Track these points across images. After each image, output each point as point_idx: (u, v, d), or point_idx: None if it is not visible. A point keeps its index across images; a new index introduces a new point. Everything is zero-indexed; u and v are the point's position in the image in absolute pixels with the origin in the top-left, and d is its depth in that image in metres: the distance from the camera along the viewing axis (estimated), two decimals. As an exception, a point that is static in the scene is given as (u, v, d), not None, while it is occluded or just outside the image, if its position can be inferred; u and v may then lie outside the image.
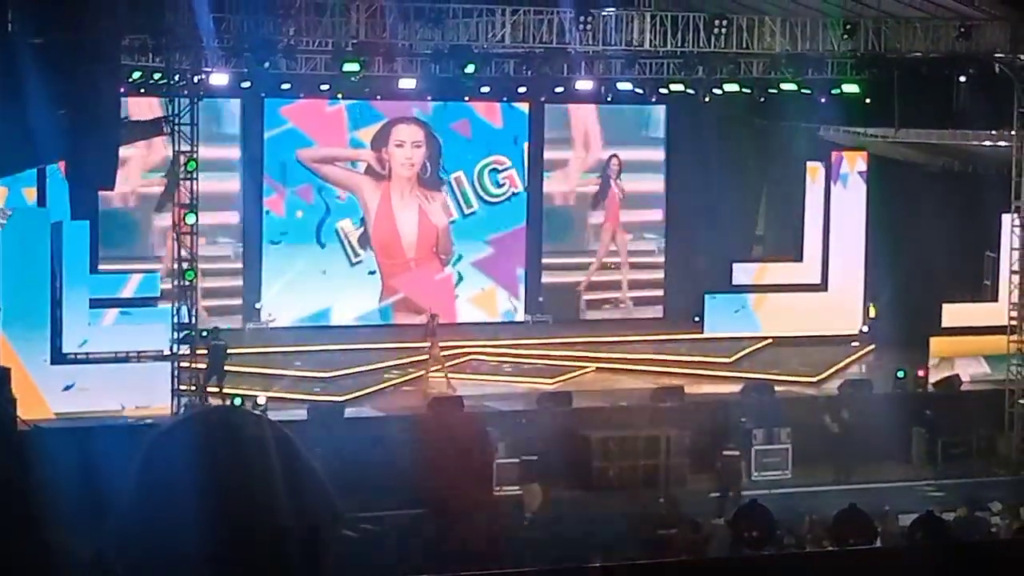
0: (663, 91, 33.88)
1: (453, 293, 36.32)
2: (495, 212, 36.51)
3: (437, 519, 25.83)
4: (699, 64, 31.90)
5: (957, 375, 32.11)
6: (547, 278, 36.88)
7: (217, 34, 28.88)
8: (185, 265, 28.03)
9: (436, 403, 29.17)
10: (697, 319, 35.68)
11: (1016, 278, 31.95)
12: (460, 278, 36.33)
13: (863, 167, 36.67)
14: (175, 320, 27.92)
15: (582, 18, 30.40)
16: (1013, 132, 31.64)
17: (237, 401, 27.92)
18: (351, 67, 29.66)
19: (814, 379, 32.80)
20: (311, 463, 2.52)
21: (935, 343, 32.51)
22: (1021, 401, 31.03)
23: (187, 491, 2.41)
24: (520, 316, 36.19)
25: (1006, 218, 32.65)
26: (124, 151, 26.16)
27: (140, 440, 2.53)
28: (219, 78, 30.05)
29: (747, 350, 34.61)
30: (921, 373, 32.12)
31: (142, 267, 31.84)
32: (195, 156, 28.04)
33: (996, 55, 31.19)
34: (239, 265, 34.73)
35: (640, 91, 34.08)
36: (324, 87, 32.09)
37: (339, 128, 35.34)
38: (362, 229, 35.64)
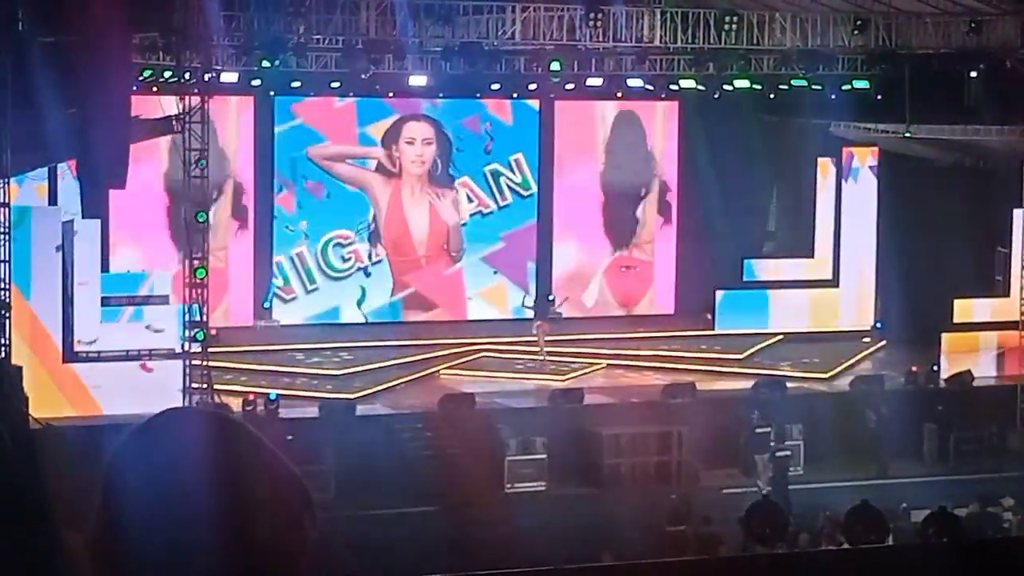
0: (673, 87, 33.85)
1: (463, 289, 36.31)
2: (506, 210, 36.46)
3: (448, 516, 25.86)
4: (710, 60, 31.88)
5: (969, 371, 32.08)
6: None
7: (227, 32, 28.95)
8: (196, 262, 28.08)
9: (447, 400, 29.19)
10: (709, 316, 35.67)
11: (1028, 273, 31.99)
12: (470, 274, 36.33)
13: (874, 163, 36.62)
14: (186, 318, 27.96)
15: (592, 15, 30.41)
16: (1024, 127, 31.67)
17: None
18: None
19: (825, 375, 32.79)
20: (283, 460, 2.53)
21: (946, 339, 32.50)
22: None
23: (152, 495, 2.44)
24: (530, 312, 36.08)
25: (1017, 213, 32.62)
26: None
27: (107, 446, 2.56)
28: (229, 76, 30.09)
29: (758, 346, 34.60)
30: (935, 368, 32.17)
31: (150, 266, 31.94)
32: (206, 154, 28.10)
33: (1007, 50, 31.17)
34: (250, 263, 34.70)
35: (650, 87, 34.05)
36: (335, 84, 32.10)
37: (349, 124, 35.30)
38: (372, 226, 35.63)
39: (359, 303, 35.54)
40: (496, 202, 36.32)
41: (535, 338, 32.90)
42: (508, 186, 36.38)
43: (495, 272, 36.39)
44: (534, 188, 36.52)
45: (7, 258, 25.58)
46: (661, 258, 37.61)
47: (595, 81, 32.94)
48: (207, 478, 2.43)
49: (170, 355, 28.48)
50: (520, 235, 36.54)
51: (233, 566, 2.40)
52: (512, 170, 36.36)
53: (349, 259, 35.47)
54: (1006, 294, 33.23)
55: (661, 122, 37.16)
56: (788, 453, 28.60)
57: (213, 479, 2.43)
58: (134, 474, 2.44)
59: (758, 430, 29.06)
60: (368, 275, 35.60)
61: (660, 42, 31.20)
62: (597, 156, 37.10)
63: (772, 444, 28.72)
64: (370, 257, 35.58)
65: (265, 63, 29.67)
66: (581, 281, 37.03)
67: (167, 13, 27.33)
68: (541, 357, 32.77)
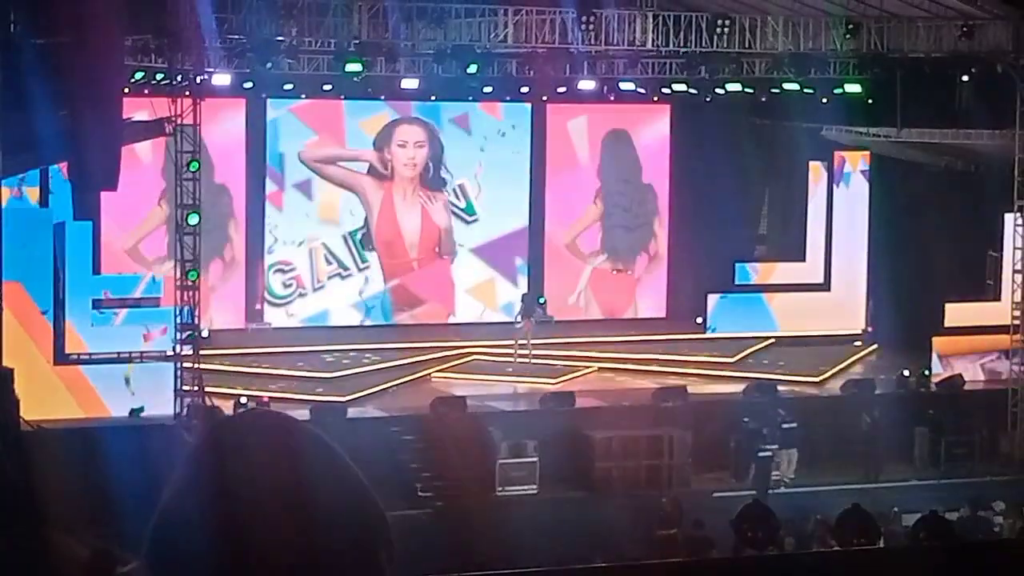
0: (665, 91, 33.86)
1: (453, 289, 36.27)
2: (496, 212, 36.45)
3: (439, 520, 25.85)
4: (701, 64, 31.88)
5: (960, 375, 32.11)
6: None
7: (219, 34, 28.90)
8: (188, 265, 28.04)
9: (439, 403, 29.17)
10: (700, 320, 35.65)
11: (1019, 277, 32.00)
12: (460, 271, 36.32)
13: (865, 167, 36.65)
14: (178, 320, 27.93)
15: (584, 18, 30.40)
16: (1015, 131, 31.67)
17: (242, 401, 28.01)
18: (353, 67, 29.69)
19: (817, 379, 32.80)
20: (362, 479, 2.45)
21: (937, 342, 32.53)
22: (1024, 401, 31.08)
23: (236, 494, 2.34)
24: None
25: (1008, 217, 32.64)
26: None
27: (180, 438, 2.48)
28: (221, 78, 30.07)
29: (750, 350, 34.60)
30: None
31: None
32: (198, 157, 28.08)
33: (998, 55, 31.22)
34: (241, 265, 34.66)
35: (642, 91, 34.06)
36: (327, 87, 32.09)
37: (338, 118, 35.18)
38: (364, 230, 35.60)
39: (348, 305, 35.45)
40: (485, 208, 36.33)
41: (519, 340, 32.88)
42: (453, 212, 36.25)
43: (484, 265, 36.32)
44: (478, 214, 36.37)
45: (-2, 260, 25.51)
46: (652, 262, 37.61)
47: (587, 84, 32.94)
48: (287, 491, 2.32)
49: (161, 357, 28.46)
50: (510, 237, 36.54)
51: None
52: (457, 196, 36.28)
53: (291, 285, 35.30)
54: (997, 298, 33.26)
55: (651, 127, 37.21)
56: (770, 454, 28.63)
57: (294, 493, 2.32)
58: (208, 482, 2.31)
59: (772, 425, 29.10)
60: (356, 279, 35.57)
61: (652, 45, 31.18)
62: (587, 164, 37.12)
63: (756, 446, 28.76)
64: (314, 283, 35.30)
65: (257, 65, 29.65)
66: (569, 286, 37.03)
67: (159, 15, 27.31)
68: (515, 357, 32.75)
